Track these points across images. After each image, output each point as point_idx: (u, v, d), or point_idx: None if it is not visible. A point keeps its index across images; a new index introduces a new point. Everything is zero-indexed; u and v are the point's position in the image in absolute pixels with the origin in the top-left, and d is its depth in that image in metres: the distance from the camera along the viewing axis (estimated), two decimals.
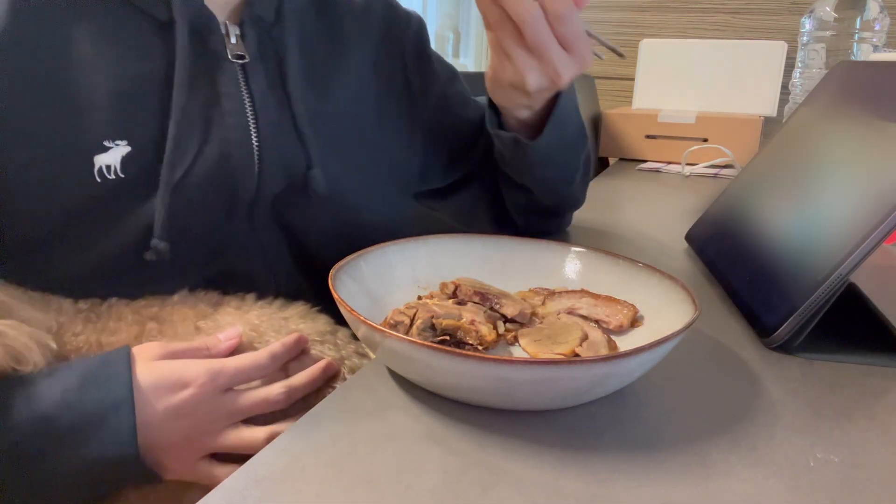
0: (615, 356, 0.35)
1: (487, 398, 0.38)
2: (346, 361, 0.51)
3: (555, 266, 0.55)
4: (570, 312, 0.50)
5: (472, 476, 0.33)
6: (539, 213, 0.73)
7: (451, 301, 0.50)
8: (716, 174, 1.24)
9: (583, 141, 0.69)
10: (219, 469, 0.45)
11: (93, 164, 0.49)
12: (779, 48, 1.36)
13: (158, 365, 0.44)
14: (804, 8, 1.35)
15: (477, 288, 0.50)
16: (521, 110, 0.61)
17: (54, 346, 0.45)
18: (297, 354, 0.50)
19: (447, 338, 0.44)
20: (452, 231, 0.57)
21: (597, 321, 0.49)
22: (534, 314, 0.50)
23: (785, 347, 0.48)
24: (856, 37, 1.16)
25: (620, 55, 0.56)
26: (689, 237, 0.74)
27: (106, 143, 0.49)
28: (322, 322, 0.54)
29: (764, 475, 0.34)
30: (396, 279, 0.52)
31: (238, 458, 0.45)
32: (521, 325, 0.48)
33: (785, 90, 1.35)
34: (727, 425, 0.38)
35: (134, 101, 0.51)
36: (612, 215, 0.91)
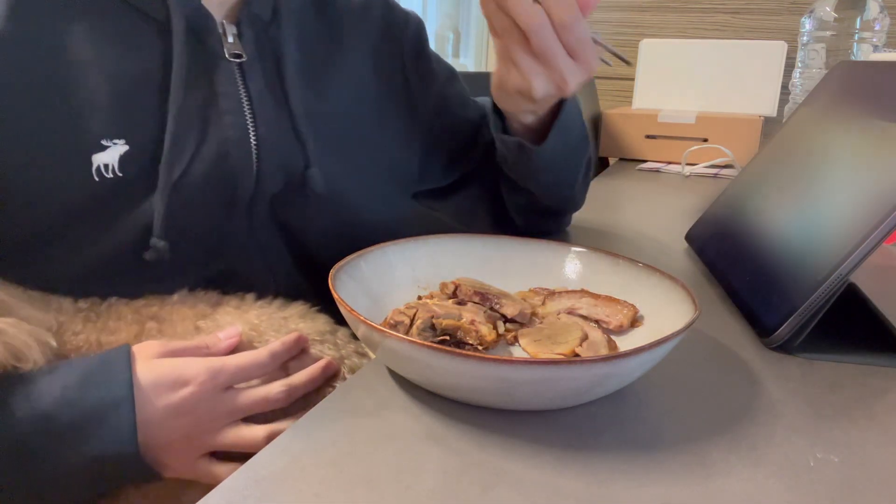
0: (615, 356, 0.35)
1: (487, 398, 0.38)
2: (345, 361, 0.51)
3: (555, 266, 0.55)
4: (570, 312, 0.50)
5: (472, 476, 0.33)
6: (539, 214, 0.73)
7: (451, 301, 0.50)
8: (716, 174, 1.24)
9: (585, 144, 0.70)
10: (218, 467, 0.45)
11: (91, 164, 0.49)
12: (779, 48, 1.36)
13: (158, 363, 0.44)
14: (804, 8, 1.35)
15: (477, 288, 0.50)
16: (526, 115, 0.61)
17: (54, 343, 0.45)
18: (297, 353, 0.50)
19: (447, 338, 0.44)
20: (452, 231, 0.57)
21: (597, 321, 0.49)
22: (534, 314, 0.50)
23: (785, 347, 0.48)
24: (856, 37, 1.16)
25: (627, 62, 0.56)
26: (689, 237, 0.74)
27: (104, 142, 0.49)
28: (322, 322, 0.54)
29: (764, 475, 0.34)
30: (396, 279, 0.52)
31: (238, 456, 0.45)
32: (521, 325, 0.48)
33: (785, 90, 1.35)
34: (727, 425, 0.38)
35: (132, 100, 0.51)
36: (612, 215, 0.91)
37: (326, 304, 0.54)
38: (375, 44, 0.68)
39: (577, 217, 0.82)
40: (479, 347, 0.44)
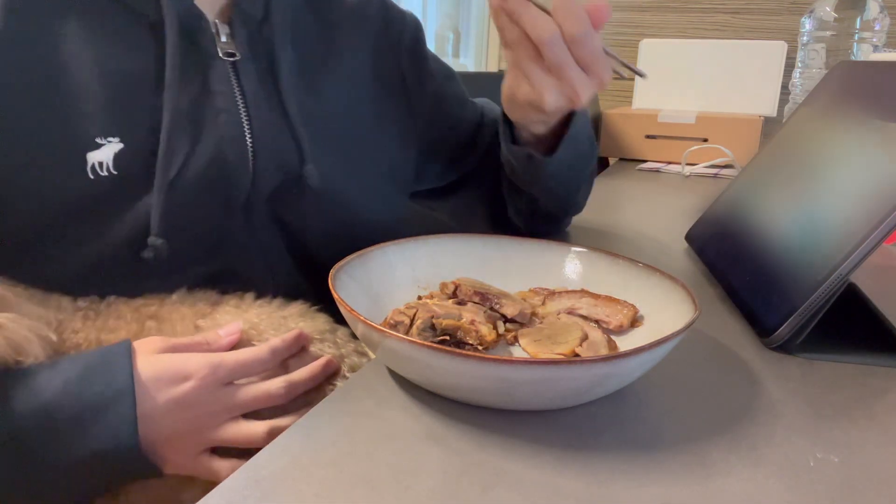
0: (615, 356, 0.35)
1: (487, 398, 0.38)
2: (345, 359, 0.51)
3: (555, 266, 0.55)
4: (570, 312, 0.50)
5: (472, 476, 0.33)
6: (541, 218, 0.73)
7: (451, 301, 0.50)
8: (716, 174, 1.24)
9: (593, 152, 0.70)
10: (219, 463, 0.45)
11: (86, 161, 0.49)
12: (779, 48, 1.36)
13: (159, 358, 0.45)
14: (804, 8, 1.35)
15: (477, 288, 0.50)
16: (536, 126, 0.61)
17: (54, 338, 0.45)
18: (298, 351, 0.50)
19: (447, 338, 0.44)
20: (451, 231, 0.57)
21: (597, 321, 0.49)
22: (534, 314, 0.50)
23: (785, 347, 0.48)
24: (856, 37, 1.16)
25: (642, 75, 0.55)
26: (689, 237, 0.74)
27: (98, 140, 0.49)
28: (321, 321, 0.54)
29: (764, 475, 0.34)
30: (396, 279, 0.52)
31: (238, 453, 0.45)
32: (521, 325, 0.48)
33: (785, 90, 1.35)
34: (727, 425, 0.38)
35: (126, 98, 0.51)
36: (612, 215, 0.91)
37: (326, 304, 0.54)
38: (372, 43, 0.68)
39: (577, 217, 0.82)
40: (479, 347, 0.44)
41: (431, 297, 0.51)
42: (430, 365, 0.37)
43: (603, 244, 0.68)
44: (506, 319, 0.48)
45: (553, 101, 0.52)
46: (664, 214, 0.93)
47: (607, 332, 0.48)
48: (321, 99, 0.62)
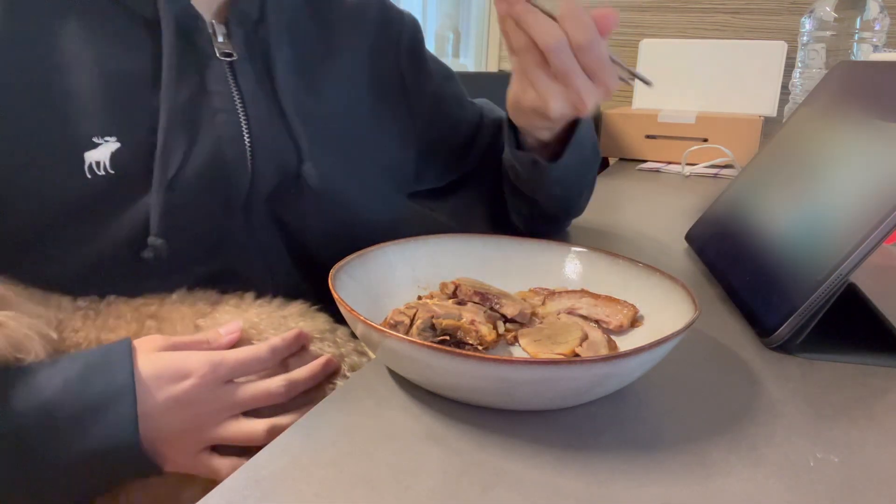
0: (615, 356, 0.35)
1: (487, 398, 0.38)
2: (345, 359, 0.52)
3: (555, 266, 0.55)
4: (570, 312, 0.50)
5: (472, 476, 0.33)
6: (542, 220, 0.73)
7: (451, 301, 0.50)
8: (716, 174, 1.24)
9: (596, 157, 0.71)
10: (219, 461, 0.45)
11: (83, 161, 0.49)
12: (779, 48, 1.36)
13: (160, 356, 0.45)
14: (804, 8, 1.35)
15: (477, 288, 0.50)
16: (541, 132, 0.61)
17: (55, 336, 0.45)
18: (298, 350, 0.50)
19: (447, 338, 0.44)
20: (450, 231, 0.57)
21: (597, 321, 0.49)
22: (534, 314, 0.50)
23: (785, 347, 0.48)
24: (856, 37, 1.16)
25: (647, 83, 0.55)
26: (689, 237, 0.74)
27: (95, 140, 0.50)
28: (321, 320, 0.54)
29: (764, 475, 0.34)
30: (396, 279, 0.52)
31: (238, 451, 0.45)
32: (521, 325, 0.48)
33: (785, 90, 1.35)
34: (727, 425, 0.38)
35: (123, 98, 0.51)
36: (612, 215, 0.91)
37: (325, 304, 0.54)
38: (371, 44, 0.68)
39: (577, 217, 0.82)
40: (479, 347, 0.44)
41: (431, 297, 0.51)
42: (430, 365, 0.37)
43: (603, 244, 0.68)
44: (506, 319, 0.48)
45: (558, 108, 0.52)
46: (664, 214, 0.93)
47: (607, 332, 0.48)
48: (320, 99, 0.62)
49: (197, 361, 0.44)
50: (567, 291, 0.53)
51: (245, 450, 0.45)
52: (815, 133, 0.61)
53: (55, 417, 0.40)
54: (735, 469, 0.34)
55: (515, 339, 0.47)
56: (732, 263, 0.60)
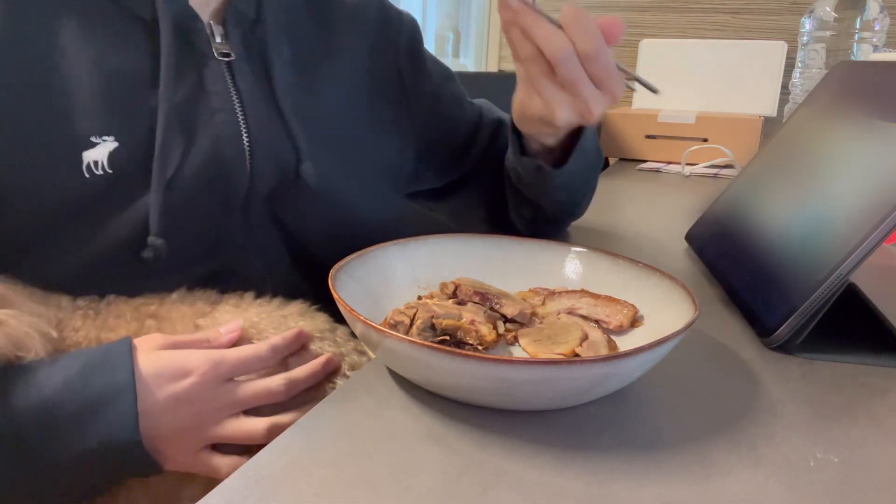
0: (615, 356, 0.35)
1: (487, 398, 0.38)
2: (345, 358, 0.52)
3: (555, 266, 0.55)
4: (570, 312, 0.50)
5: (472, 476, 0.33)
6: (544, 223, 0.74)
7: (451, 301, 0.50)
8: (716, 174, 1.24)
9: (599, 161, 0.71)
10: (219, 460, 0.45)
11: (81, 161, 0.49)
12: (779, 48, 1.36)
13: (160, 354, 0.45)
14: (804, 8, 1.35)
15: (477, 288, 0.50)
16: (546, 138, 0.62)
17: (55, 334, 0.45)
18: (298, 350, 0.50)
19: (447, 338, 0.44)
20: (450, 230, 0.57)
21: (597, 321, 0.49)
22: (534, 314, 0.50)
23: (785, 347, 0.48)
24: (856, 37, 1.16)
25: (654, 91, 0.55)
26: (689, 237, 0.74)
27: (93, 139, 0.50)
28: (321, 320, 0.54)
29: (764, 475, 0.34)
30: (396, 279, 0.52)
31: (238, 450, 0.45)
32: (521, 325, 0.48)
33: (785, 90, 1.35)
34: (727, 425, 0.38)
35: (121, 97, 0.51)
36: (612, 215, 0.91)
37: (325, 304, 0.54)
38: (369, 44, 0.68)
39: (579, 218, 0.82)
40: (479, 347, 0.44)
41: (431, 297, 0.51)
42: (430, 365, 0.37)
43: (603, 244, 0.68)
44: (506, 319, 0.48)
45: (565, 117, 0.52)
46: (664, 214, 0.93)
47: (607, 332, 0.48)
48: (318, 98, 0.62)
49: (197, 360, 0.45)
50: (567, 291, 0.53)
51: (245, 448, 0.45)
52: (815, 133, 0.61)
53: (55, 416, 0.40)
54: (735, 469, 0.34)
55: (515, 339, 0.47)
56: (732, 263, 0.60)
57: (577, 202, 0.73)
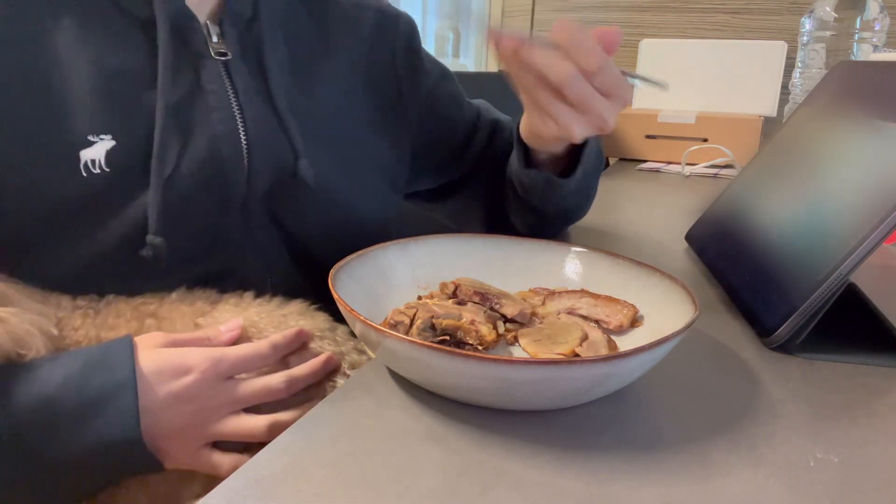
0: (615, 356, 0.35)
1: (487, 398, 0.38)
2: (345, 357, 0.52)
3: (555, 266, 0.55)
4: (570, 312, 0.50)
5: (472, 476, 0.33)
6: (549, 227, 0.74)
7: (451, 301, 0.50)
8: (716, 174, 1.24)
9: (601, 161, 0.72)
10: (219, 457, 0.45)
11: (79, 160, 0.49)
12: (779, 48, 1.36)
13: (160, 352, 0.45)
14: (804, 8, 1.35)
15: (477, 288, 0.50)
16: (555, 148, 0.63)
17: (55, 332, 0.45)
18: (298, 348, 0.50)
19: (447, 338, 0.44)
20: (449, 231, 0.57)
21: (597, 321, 0.49)
22: (534, 314, 0.50)
23: (785, 347, 0.48)
24: (856, 37, 1.16)
25: (663, 86, 0.55)
26: (689, 237, 0.74)
27: (90, 138, 0.50)
28: (321, 319, 0.54)
29: (764, 475, 0.34)
30: (396, 279, 0.52)
31: (239, 448, 0.45)
32: (521, 325, 0.48)
33: (785, 90, 1.35)
34: (727, 425, 0.38)
35: (117, 96, 0.51)
36: (612, 215, 0.91)
37: (324, 303, 0.54)
38: (366, 44, 0.68)
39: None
40: (479, 347, 0.44)
41: (431, 297, 0.51)
42: (430, 365, 0.37)
43: (603, 244, 0.68)
44: (506, 319, 0.48)
45: (582, 132, 0.52)
46: (664, 214, 0.93)
47: (607, 332, 0.48)
48: (315, 98, 0.62)
49: (198, 357, 0.45)
50: (567, 291, 0.53)
51: (246, 446, 0.45)
52: (815, 133, 0.61)
53: (56, 413, 0.40)
54: (735, 469, 0.34)
55: (515, 339, 0.47)
56: (732, 263, 0.60)
57: (582, 206, 0.74)
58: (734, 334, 0.51)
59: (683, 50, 1.44)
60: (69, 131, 0.49)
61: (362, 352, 0.53)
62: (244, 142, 0.56)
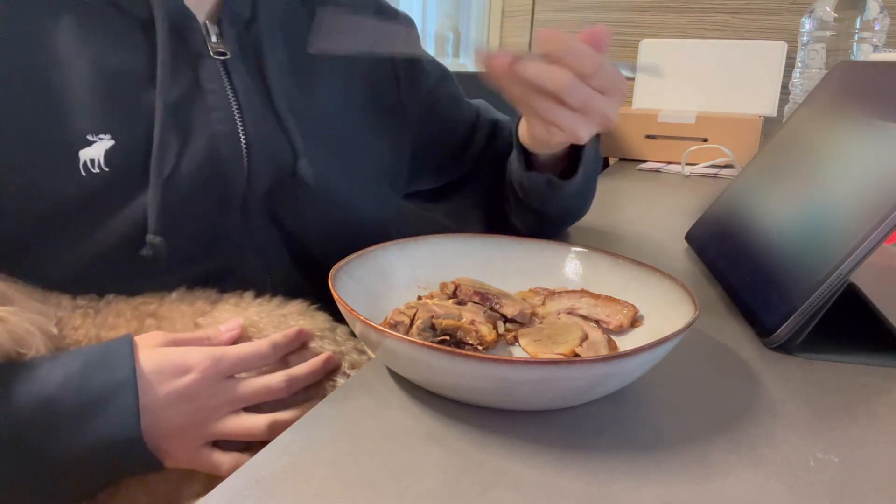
0: (615, 356, 0.35)
1: (487, 398, 0.38)
2: (345, 357, 0.52)
3: (555, 266, 0.55)
4: (570, 312, 0.50)
5: (472, 476, 0.33)
6: (550, 227, 0.74)
7: (451, 301, 0.50)
8: (716, 174, 1.24)
9: (600, 162, 0.72)
10: (219, 457, 0.45)
11: (78, 159, 0.49)
12: (779, 48, 1.36)
13: (161, 351, 0.45)
14: (804, 8, 1.35)
15: (477, 288, 0.50)
16: (557, 148, 0.63)
17: (55, 331, 0.45)
18: (298, 348, 0.50)
19: (447, 338, 0.44)
20: (449, 231, 0.57)
21: (597, 321, 0.49)
22: (534, 314, 0.50)
23: (785, 347, 0.48)
24: (856, 37, 1.16)
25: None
26: (689, 237, 0.74)
27: (89, 138, 0.50)
28: (321, 319, 0.54)
29: (764, 475, 0.34)
30: (396, 279, 0.52)
31: (239, 447, 0.45)
32: (521, 325, 0.48)
33: (785, 90, 1.35)
34: (727, 425, 0.38)
35: (116, 95, 0.51)
36: (612, 215, 0.91)
37: (324, 303, 0.54)
38: None
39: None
40: (479, 347, 0.44)
41: (431, 297, 0.51)
42: (430, 365, 0.37)
43: (603, 244, 0.68)
44: (506, 319, 0.48)
45: (587, 133, 0.52)
46: (664, 214, 0.93)
47: (607, 332, 0.48)
48: (314, 98, 0.62)
49: (198, 356, 0.45)
50: (567, 291, 0.53)
51: (246, 445, 0.45)
52: (815, 133, 0.61)
53: (56, 412, 0.40)
54: (735, 469, 0.34)
55: (515, 339, 0.47)
56: (732, 263, 0.60)
57: (582, 206, 0.74)
58: (734, 334, 0.51)
59: (683, 50, 1.44)
60: (68, 131, 0.49)
61: (362, 352, 0.53)
62: (243, 141, 0.56)
